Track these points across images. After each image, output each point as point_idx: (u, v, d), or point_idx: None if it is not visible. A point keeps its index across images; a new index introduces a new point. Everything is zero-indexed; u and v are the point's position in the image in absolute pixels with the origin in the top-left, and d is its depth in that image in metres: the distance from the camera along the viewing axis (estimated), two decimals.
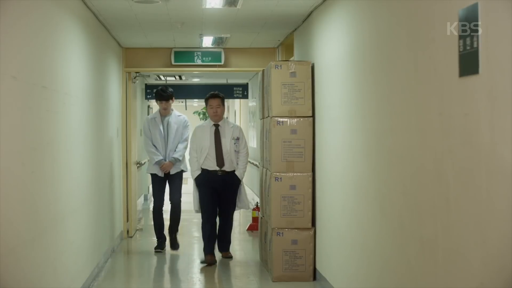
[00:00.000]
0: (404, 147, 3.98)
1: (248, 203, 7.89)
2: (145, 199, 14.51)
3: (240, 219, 11.54)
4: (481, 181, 2.94)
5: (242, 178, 7.69)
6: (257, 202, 10.33)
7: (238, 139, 7.63)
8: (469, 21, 2.98)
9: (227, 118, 8.56)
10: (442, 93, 3.34)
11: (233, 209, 7.80)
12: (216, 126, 7.68)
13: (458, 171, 3.17)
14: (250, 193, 12.48)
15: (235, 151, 7.60)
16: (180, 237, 9.46)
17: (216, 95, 7.74)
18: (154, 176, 8.51)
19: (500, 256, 2.81)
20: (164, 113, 8.50)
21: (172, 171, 8.43)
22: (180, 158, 8.43)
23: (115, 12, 7.13)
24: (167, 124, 8.44)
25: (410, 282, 3.89)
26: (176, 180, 8.53)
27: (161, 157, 8.36)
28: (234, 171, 7.63)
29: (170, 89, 8.55)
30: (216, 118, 7.69)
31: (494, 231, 2.85)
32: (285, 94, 6.76)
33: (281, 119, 6.78)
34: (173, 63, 10.03)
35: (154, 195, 8.64)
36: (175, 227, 8.61)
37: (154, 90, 8.54)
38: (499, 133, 2.81)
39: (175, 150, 8.41)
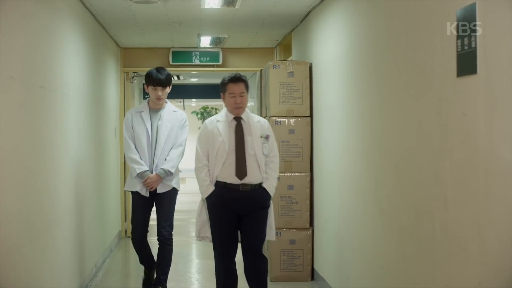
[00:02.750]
0: (402, 146, 3.98)
1: (274, 231, 5.36)
2: None
3: None
4: (479, 181, 2.95)
5: (273, 193, 5.25)
6: None
7: (267, 137, 5.25)
8: (467, 21, 2.99)
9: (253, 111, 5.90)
10: (440, 93, 3.35)
11: (263, 241, 5.31)
12: (238, 119, 5.24)
13: (456, 170, 3.18)
14: None
15: (265, 154, 5.21)
16: (177, 237, 9.43)
17: (239, 78, 5.28)
18: (135, 195, 5.92)
19: (498, 256, 2.81)
20: (156, 105, 5.97)
21: (160, 189, 5.87)
22: (173, 170, 5.87)
23: (114, 12, 7.14)
24: (158, 121, 5.94)
25: (407, 281, 3.89)
26: (165, 202, 5.95)
27: (145, 168, 5.82)
28: (261, 183, 5.18)
29: (168, 71, 6.11)
30: (238, 111, 5.22)
31: (492, 231, 2.86)
32: (283, 94, 6.77)
33: (279, 119, 6.78)
34: (171, 63, 10.05)
35: (133, 222, 6.00)
36: (163, 272, 6.03)
37: (145, 72, 6.05)
38: (497, 133, 2.81)
39: (165, 159, 5.90)
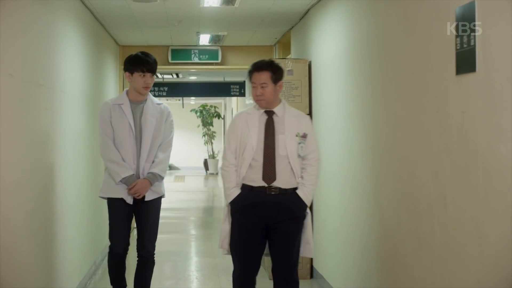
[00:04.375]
0: (401, 145, 3.99)
1: (312, 247, 4.53)
2: None
3: None
4: (478, 179, 2.95)
5: (310, 202, 4.47)
6: None
7: (305, 136, 4.43)
8: (466, 19, 2.99)
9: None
10: (439, 91, 3.35)
11: (296, 263, 4.48)
12: (270, 113, 4.47)
13: (455, 168, 3.18)
14: None
15: (299, 156, 4.40)
16: (177, 235, 9.43)
17: (262, 65, 4.47)
18: (115, 202, 4.92)
19: (497, 254, 2.81)
20: (139, 96, 4.97)
21: (148, 196, 4.93)
22: (164, 175, 4.99)
23: (113, 10, 7.14)
24: (141, 116, 4.94)
25: (407, 279, 3.89)
26: (153, 211, 5.01)
27: (131, 172, 4.86)
28: (295, 189, 4.40)
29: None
30: (261, 104, 4.46)
31: (491, 229, 2.86)
32: (282, 92, 6.75)
33: None
34: (170, 61, 10.06)
35: (114, 235, 4.99)
36: None
37: (127, 57, 5.07)
38: (496, 131, 2.81)
39: (152, 161, 4.94)
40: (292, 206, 4.36)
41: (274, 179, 4.34)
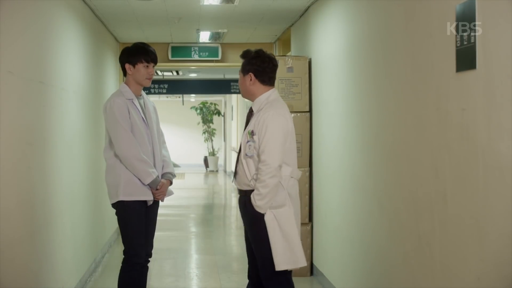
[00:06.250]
0: (401, 142, 3.99)
1: (278, 259, 4.06)
2: None
3: (237, 213, 11.54)
4: (478, 176, 2.95)
5: (260, 209, 3.99)
6: None
7: (253, 134, 4.03)
8: (466, 16, 2.98)
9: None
10: (439, 88, 3.35)
11: (266, 269, 4.11)
12: (251, 110, 4.25)
13: (455, 166, 3.18)
14: None
15: (247, 155, 4.04)
16: (177, 232, 9.42)
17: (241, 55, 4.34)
18: (136, 205, 4.53)
19: (497, 252, 2.81)
20: (139, 90, 4.68)
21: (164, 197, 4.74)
22: (175, 174, 4.85)
23: (113, 8, 7.14)
24: (144, 110, 4.65)
25: (407, 277, 3.90)
26: (156, 213, 4.77)
27: (157, 172, 4.56)
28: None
29: None
30: (243, 95, 4.37)
31: (491, 226, 2.86)
32: (282, 89, 6.77)
33: None
34: (170, 58, 10.06)
35: (135, 240, 4.55)
36: None
37: (125, 49, 4.74)
38: (496, 128, 2.81)
39: (162, 160, 4.72)
40: (245, 210, 4.13)
41: (235, 177, 4.23)
